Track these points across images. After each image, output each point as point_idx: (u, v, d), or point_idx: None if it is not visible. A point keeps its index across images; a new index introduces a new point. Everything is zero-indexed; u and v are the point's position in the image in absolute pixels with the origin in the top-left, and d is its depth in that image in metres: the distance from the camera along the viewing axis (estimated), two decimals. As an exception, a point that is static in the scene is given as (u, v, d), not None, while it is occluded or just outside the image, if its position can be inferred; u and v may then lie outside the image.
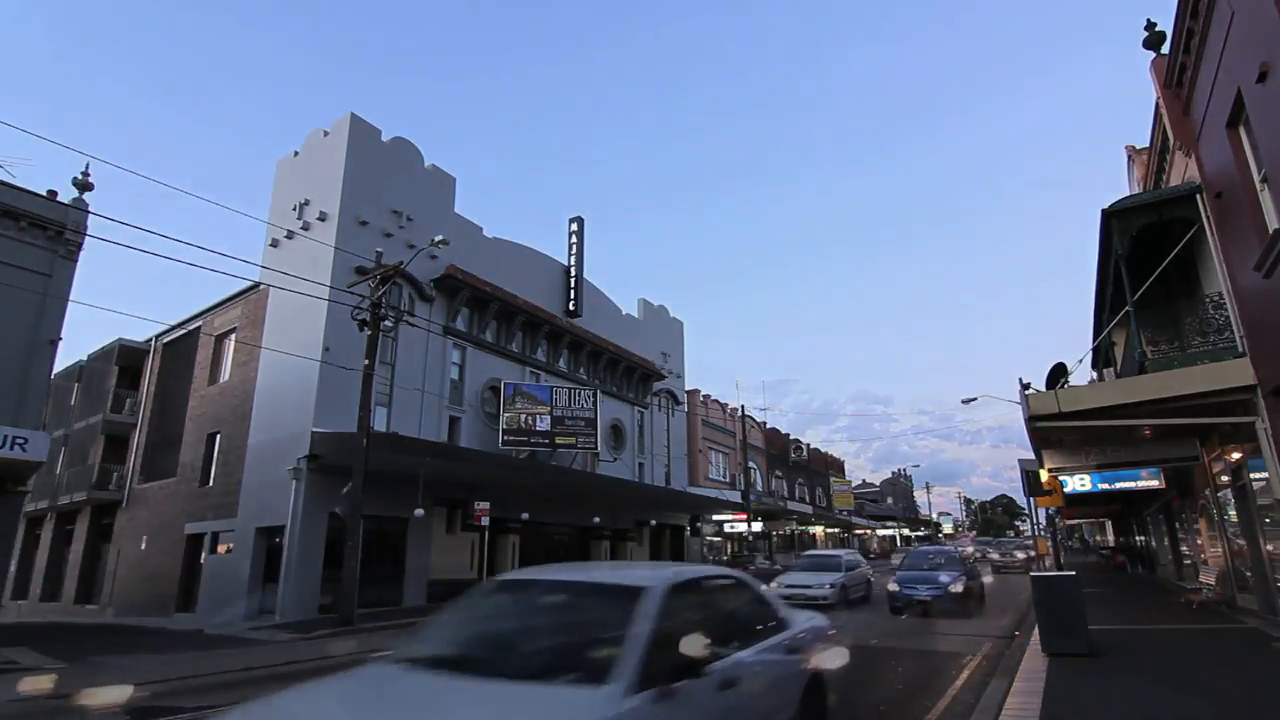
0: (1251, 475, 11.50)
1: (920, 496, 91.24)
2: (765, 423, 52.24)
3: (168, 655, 13.17)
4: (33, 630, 19.22)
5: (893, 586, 15.91)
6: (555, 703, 3.10)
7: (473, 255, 25.14)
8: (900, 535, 73.36)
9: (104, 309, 48.01)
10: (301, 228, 21.09)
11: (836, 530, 59.67)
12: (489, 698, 3.14)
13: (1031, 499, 14.35)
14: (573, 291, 30.64)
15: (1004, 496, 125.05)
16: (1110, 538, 46.27)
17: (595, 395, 28.02)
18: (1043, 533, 24.31)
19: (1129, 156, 17.58)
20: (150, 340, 27.42)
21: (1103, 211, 11.58)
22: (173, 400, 25.60)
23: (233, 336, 23.69)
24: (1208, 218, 10.72)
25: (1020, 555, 36.84)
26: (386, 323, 18.02)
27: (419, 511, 19.03)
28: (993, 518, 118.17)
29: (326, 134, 22.64)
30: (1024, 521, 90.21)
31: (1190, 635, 10.82)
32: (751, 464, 44.15)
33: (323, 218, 21.18)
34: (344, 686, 3.54)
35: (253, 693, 8.86)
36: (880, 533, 71.06)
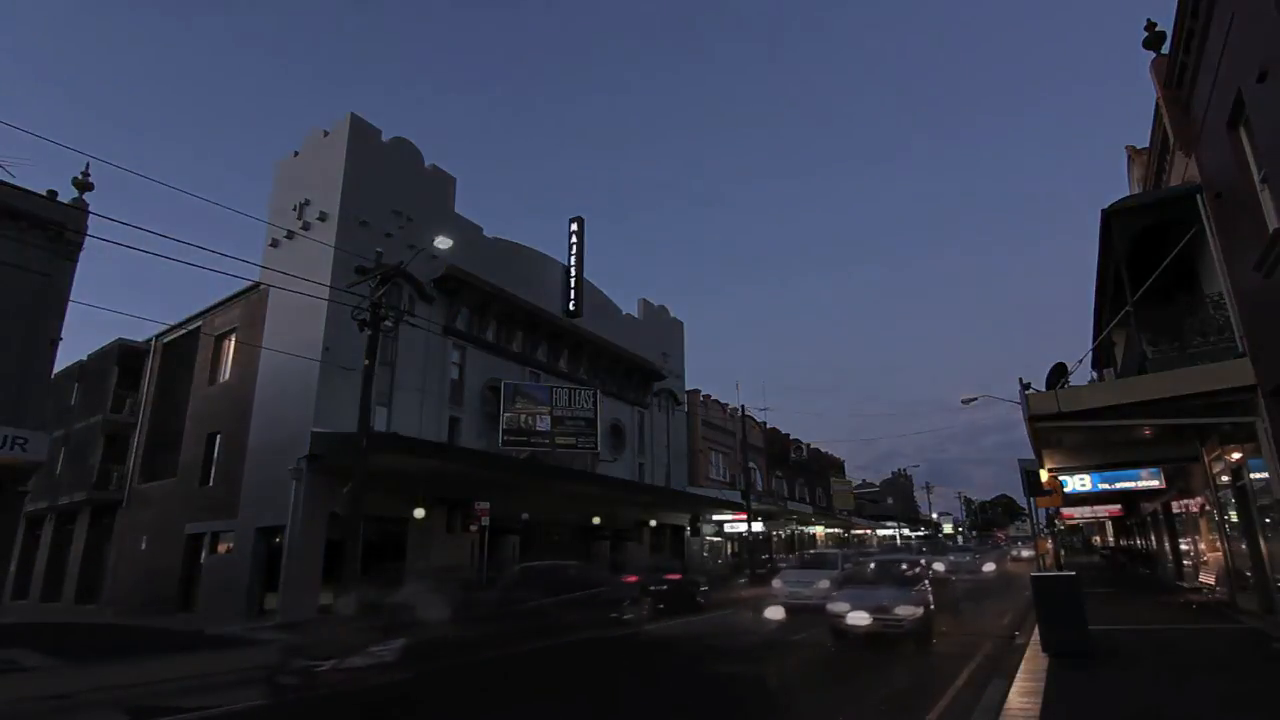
0: (1251, 475, 11.50)
1: (920, 496, 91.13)
2: (765, 423, 52.16)
3: (168, 655, 13.16)
4: (33, 630, 19.21)
5: None
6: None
7: (473, 255, 25.12)
8: (900, 535, 73.19)
9: (104, 309, 48.07)
10: (301, 228, 21.09)
11: (837, 530, 59.60)
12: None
13: (1031, 499, 14.34)
14: (573, 291, 30.61)
15: (1004, 496, 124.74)
16: (1110, 538, 46.30)
17: (595, 395, 28.01)
18: (1043, 532, 24.30)
19: (1129, 156, 17.58)
20: (150, 340, 27.41)
21: (1103, 212, 11.56)
22: (173, 400, 25.59)
23: (233, 336, 23.67)
24: (1208, 218, 10.71)
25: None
26: (386, 323, 17.95)
27: (419, 511, 19.02)
28: (993, 517, 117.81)
29: (326, 134, 22.64)
30: (1024, 521, 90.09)
31: (1190, 635, 10.83)
32: (751, 464, 44.09)
33: (323, 218, 21.18)
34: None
35: (253, 693, 8.85)
36: (880, 533, 71.01)
